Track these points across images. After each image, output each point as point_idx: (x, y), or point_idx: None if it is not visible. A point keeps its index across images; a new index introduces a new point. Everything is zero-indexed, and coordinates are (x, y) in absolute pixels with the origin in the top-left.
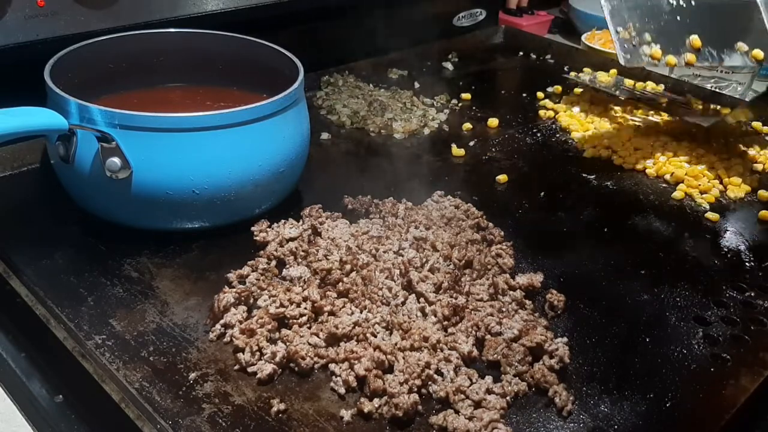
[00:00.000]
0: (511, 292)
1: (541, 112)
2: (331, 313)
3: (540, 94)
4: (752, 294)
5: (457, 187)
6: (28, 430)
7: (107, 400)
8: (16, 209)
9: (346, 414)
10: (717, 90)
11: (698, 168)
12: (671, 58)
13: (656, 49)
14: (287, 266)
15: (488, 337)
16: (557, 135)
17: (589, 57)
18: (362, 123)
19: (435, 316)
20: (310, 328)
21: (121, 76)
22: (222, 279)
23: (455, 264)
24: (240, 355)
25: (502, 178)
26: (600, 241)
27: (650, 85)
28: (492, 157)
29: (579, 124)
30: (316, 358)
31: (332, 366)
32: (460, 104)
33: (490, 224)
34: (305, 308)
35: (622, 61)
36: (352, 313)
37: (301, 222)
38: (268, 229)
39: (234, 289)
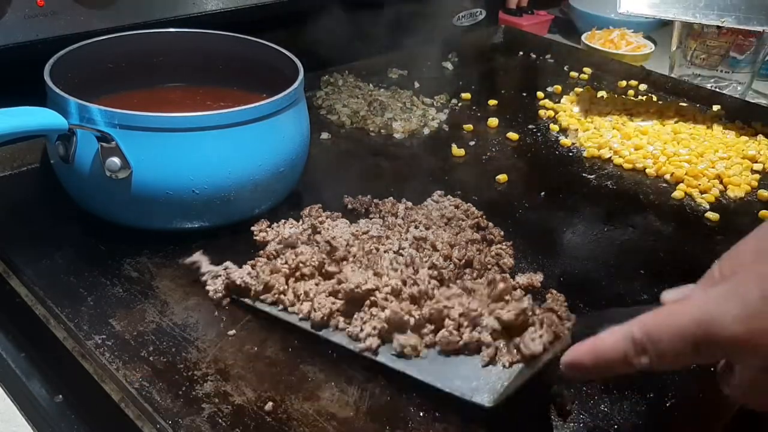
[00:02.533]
0: None
1: (541, 112)
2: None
3: (540, 94)
4: None
5: (457, 187)
6: (28, 430)
7: (107, 400)
8: (16, 209)
9: (346, 414)
10: (717, 90)
11: (698, 168)
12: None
13: None
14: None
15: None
16: (557, 135)
17: (590, 57)
18: (362, 123)
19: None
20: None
21: (121, 76)
22: None
23: (455, 264)
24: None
25: (502, 178)
26: (600, 241)
27: None
28: (492, 157)
29: (579, 124)
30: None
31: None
32: (460, 104)
33: (490, 224)
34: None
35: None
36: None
37: (301, 222)
38: (268, 229)
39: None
